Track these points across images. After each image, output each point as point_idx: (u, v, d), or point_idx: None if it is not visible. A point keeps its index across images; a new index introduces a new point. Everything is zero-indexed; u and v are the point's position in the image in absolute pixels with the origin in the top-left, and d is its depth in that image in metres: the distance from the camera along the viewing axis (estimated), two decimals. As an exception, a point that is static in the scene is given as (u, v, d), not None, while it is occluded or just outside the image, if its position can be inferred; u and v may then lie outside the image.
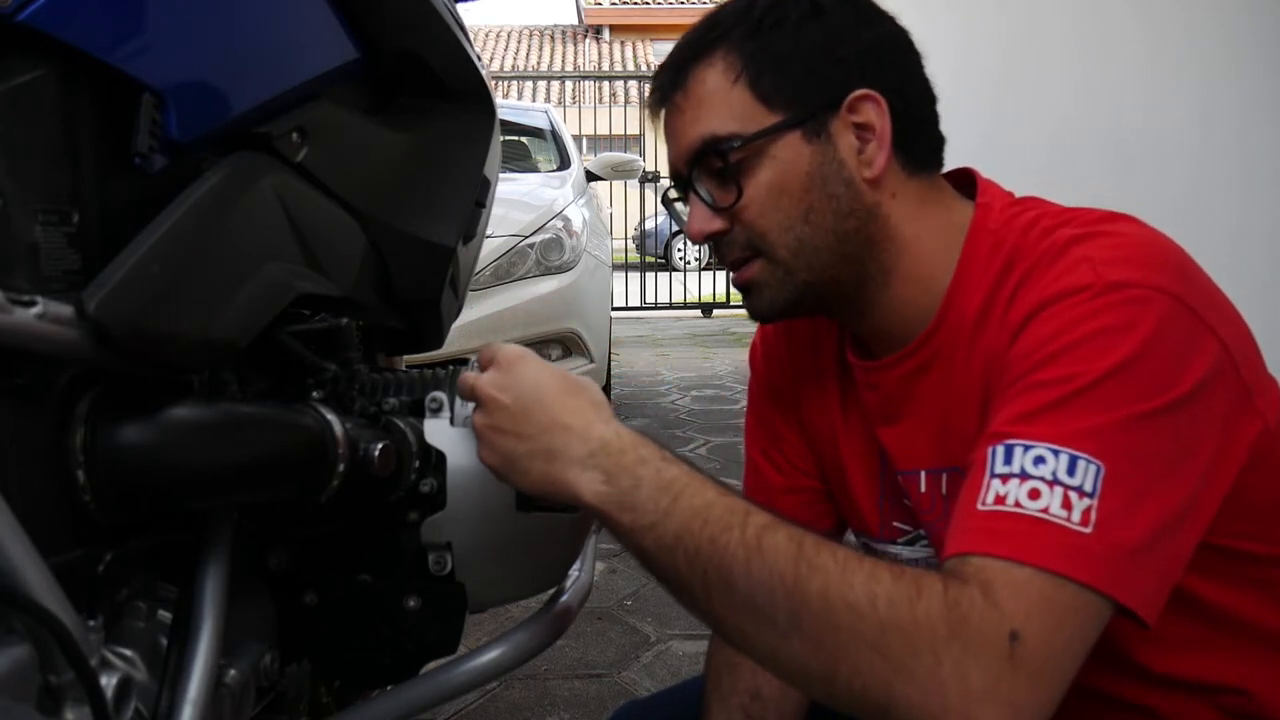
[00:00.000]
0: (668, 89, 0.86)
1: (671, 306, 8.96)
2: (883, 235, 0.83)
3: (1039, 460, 0.66)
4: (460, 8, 1.15)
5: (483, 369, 0.80)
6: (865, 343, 0.90)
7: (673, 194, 0.92)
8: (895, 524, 0.93)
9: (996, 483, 0.67)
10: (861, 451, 0.93)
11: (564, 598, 1.03)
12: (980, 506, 0.67)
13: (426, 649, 0.98)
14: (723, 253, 0.86)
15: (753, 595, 0.66)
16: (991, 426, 0.71)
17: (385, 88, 1.00)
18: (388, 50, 0.96)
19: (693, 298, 9.27)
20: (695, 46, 0.84)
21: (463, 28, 1.09)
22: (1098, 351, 0.69)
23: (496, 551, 0.93)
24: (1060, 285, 0.73)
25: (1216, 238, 2.05)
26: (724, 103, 0.82)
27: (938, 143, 0.87)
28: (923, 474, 0.87)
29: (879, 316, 0.86)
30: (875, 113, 0.81)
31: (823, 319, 0.95)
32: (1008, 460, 0.67)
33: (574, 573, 1.04)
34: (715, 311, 8.91)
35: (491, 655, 0.99)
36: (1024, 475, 0.66)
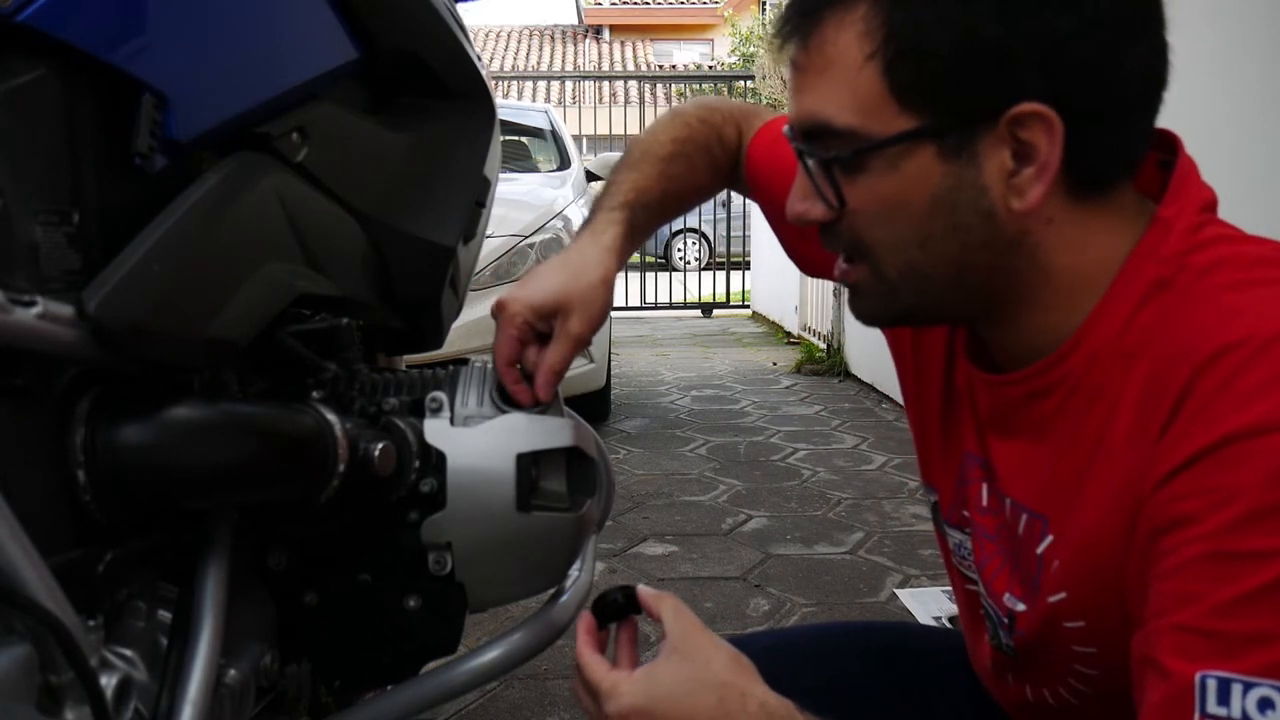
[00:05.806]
0: (791, 34, 0.68)
1: (671, 306, 8.94)
2: (1026, 266, 0.67)
3: (1266, 706, 0.54)
4: (460, 8, 1.15)
5: (648, 609, 0.74)
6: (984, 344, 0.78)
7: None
8: (964, 513, 0.84)
9: None
10: (957, 434, 0.83)
11: (564, 598, 1.03)
12: None
13: (426, 649, 0.99)
14: (825, 240, 0.72)
15: None
16: (1180, 615, 0.57)
17: (385, 88, 1.00)
18: (388, 50, 0.96)
19: (693, 298, 9.27)
20: None
21: (463, 28, 1.09)
22: None
23: (496, 551, 0.93)
24: (1268, 409, 0.57)
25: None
26: (849, 82, 0.65)
27: (1136, 147, 0.68)
28: (987, 488, 0.79)
29: (1005, 337, 0.73)
30: (1044, 133, 0.62)
31: None
32: (1223, 699, 0.55)
33: (574, 573, 1.04)
34: (715, 311, 8.88)
35: (491, 655, 0.99)
36: None
